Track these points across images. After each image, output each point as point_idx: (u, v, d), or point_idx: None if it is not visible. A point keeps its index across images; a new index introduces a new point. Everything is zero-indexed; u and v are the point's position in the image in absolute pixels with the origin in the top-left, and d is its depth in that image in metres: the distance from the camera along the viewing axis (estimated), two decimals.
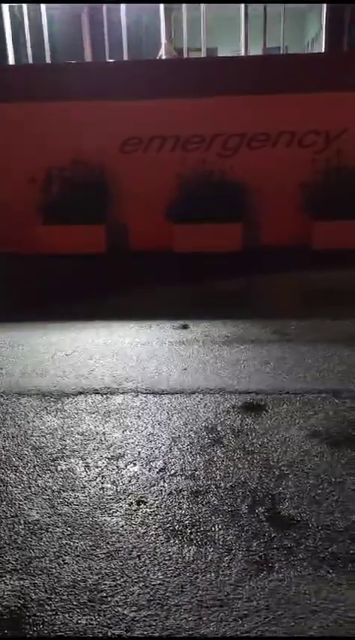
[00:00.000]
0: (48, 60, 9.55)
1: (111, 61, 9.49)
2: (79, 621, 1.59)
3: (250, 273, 5.88)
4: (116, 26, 9.74)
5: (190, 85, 6.84)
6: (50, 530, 1.98)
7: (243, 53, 9.16)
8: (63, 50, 10.33)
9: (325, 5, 9.46)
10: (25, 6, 9.45)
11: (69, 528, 1.99)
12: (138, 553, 1.86)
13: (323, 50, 9.41)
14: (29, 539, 1.94)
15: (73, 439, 2.61)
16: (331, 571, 1.75)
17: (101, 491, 2.20)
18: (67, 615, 1.61)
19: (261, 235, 6.90)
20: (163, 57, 9.60)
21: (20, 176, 6.99)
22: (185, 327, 4.25)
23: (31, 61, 9.61)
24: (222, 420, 2.76)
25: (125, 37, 9.86)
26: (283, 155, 6.96)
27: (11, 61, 9.41)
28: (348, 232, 6.38)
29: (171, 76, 6.93)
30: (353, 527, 1.95)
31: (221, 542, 1.90)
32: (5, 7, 9.12)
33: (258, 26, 9.15)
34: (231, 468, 2.34)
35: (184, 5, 9.33)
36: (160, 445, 2.54)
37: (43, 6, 9.43)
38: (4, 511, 2.09)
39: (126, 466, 2.38)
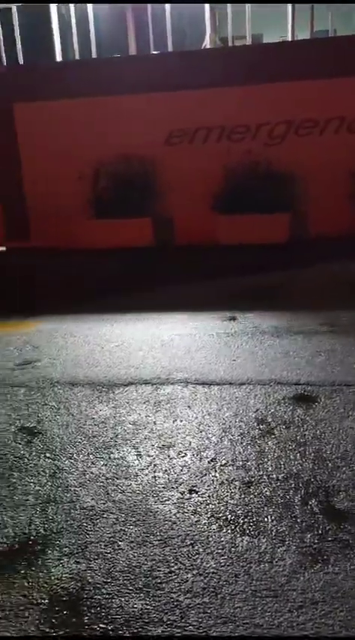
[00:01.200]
0: (94, 55, 9.66)
1: (155, 53, 9.49)
2: (135, 605, 1.62)
3: (297, 264, 5.79)
4: (160, 18, 9.72)
5: (234, 73, 6.75)
6: (105, 516, 2.02)
7: (289, 39, 8.97)
8: (108, 45, 10.41)
9: None
10: (72, 5, 9.58)
11: (123, 515, 2.02)
12: (191, 541, 1.87)
13: None
14: (85, 524, 1.99)
15: (125, 428, 2.65)
16: None
17: (153, 480, 2.23)
18: (123, 599, 1.65)
19: (308, 225, 6.77)
20: (207, 46, 9.53)
21: (70, 171, 7.11)
22: (233, 318, 4.23)
23: (77, 57, 9.74)
24: (272, 411, 2.74)
25: (169, 29, 9.83)
26: (332, 142, 6.79)
27: (58, 57, 9.57)
28: None
29: (214, 66, 6.87)
30: None
31: (274, 533, 1.89)
32: (53, 6, 9.28)
33: (305, 10, 8.92)
34: (283, 460, 2.32)
35: None
36: (211, 435, 2.55)
37: (89, 5, 9.52)
38: (60, 497, 2.15)
39: (177, 455, 2.39)
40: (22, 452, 2.49)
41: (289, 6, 8.80)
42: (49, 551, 1.86)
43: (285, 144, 6.90)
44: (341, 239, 6.44)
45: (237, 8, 9.22)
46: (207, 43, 9.55)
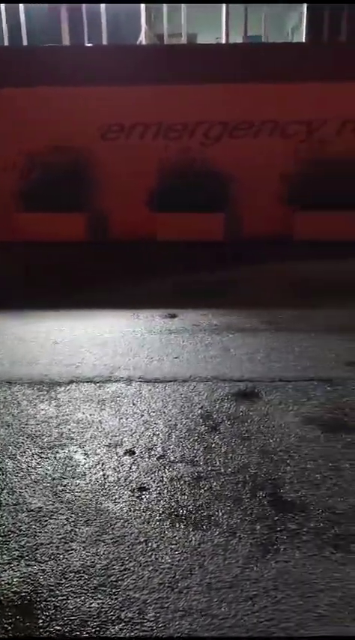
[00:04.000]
0: (25, 43, 9.35)
1: (90, 45, 9.34)
2: (91, 605, 1.60)
3: (234, 263, 5.92)
4: (95, 9, 9.58)
5: (172, 72, 6.78)
6: (54, 517, 1.98)
7: (224, 41, 9.14)
8: (40, 34, 10.12)
9: None
10: None
11: (73, 515, 1.99)
12: (145, 538, 1.87)
13: (304, 39, 9.46)
14: (34, 526, 1.93)
15: (70, 427, 2.60)
16: (335, 552, 1.80)
17: (103, 478, 2.20)
18: (78, 600, 1.62)
19: (243, 225, 6.93)
20: (143, 42, 9.51)
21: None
22: (173, 316, 4.25)
23: (6, 44, 9.39)
24: (217, 407, 2.79)
25: (104, 22, 9.72)
26: (264, 145, 6.99)
27: None
28: (329, 223, 6.46)
29: (153, 63, 6.86)
30: (352, 510, 2.00)
31: (226, 526, 1.93)
32: None
33: (239, 14, 9.14)
34: (230, 455, 2.37)
35: None
36: (158, 432, 2.55)
37: None
38: (5, 499, 2.08)
39: (125, 453, 2.38)
40: None
41: (224, 9, 8.96)
42: None
43: (221, 144, 7.02)
44: (274, 240, 6.66)
45: (172, 7, 9.27)
46: (142, 39, 9.53)
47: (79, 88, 6.75)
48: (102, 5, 9.17)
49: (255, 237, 6.74)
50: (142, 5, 9.57)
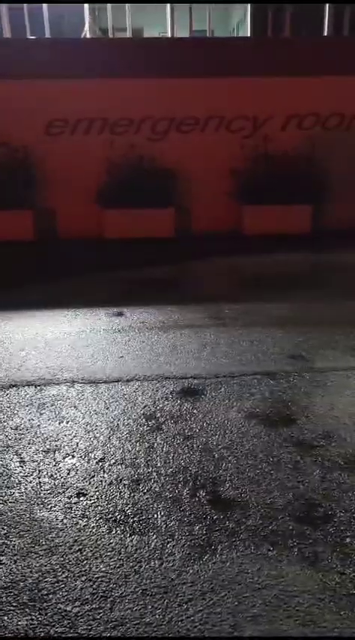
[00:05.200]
0: None
1: (32, 37, 9.10)
2: (19, 622, 1.53)
3: (183, 259, 5.90)
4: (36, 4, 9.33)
5: (118, 65, 6.68)
6: None
7: (169, 35, 9.07)
8: None
9: None
10: None
11: (5, 527, 1.90)
12: (80, 547, 1.81)
13: (249, 34, 9.51)
14: None
15: (6, 434, 2.50)
16: (272, 549, 1.79)
17: (38, 486, 2.13)
18: (5, 618, 1.55)
19: (192, 221, 6.92)
20: (88, 36, 9.34)
21: None
22: (120, 314, 4.19)
23: None
24: (160, 406, 2.75)
25: (46, 14, 9.49)
26: (212, 140, 6.99)
27: None
28: (277, 217, 6.53)
29: (97, 56, 6.74)
30: (290, 504, 2.00)
31: (163, 529, 1.89)
32: None
33: (184, 8, 9.09)
34: (172, 454, 2.33)
35: None
36: (98, 435, 2.49)
37: None
38: None
39: (63, 459, 2.31)
40: None
41: (168, 5, 8.89)
42: None
43: (168, 139, 6.98)
44: (223, 235, 6.68)
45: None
46: (86, 33, 9.35)
47: (21, 82, 6.57)
48: None
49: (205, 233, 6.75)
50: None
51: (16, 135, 6.59)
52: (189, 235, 6.80)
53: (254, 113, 6.92)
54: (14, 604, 1.59)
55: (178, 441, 2.43)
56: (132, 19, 9.30)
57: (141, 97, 6.74)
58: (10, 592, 1.63)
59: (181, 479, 2.16)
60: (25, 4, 9.33)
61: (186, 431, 2.52)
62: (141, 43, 7.65)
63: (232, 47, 7.11)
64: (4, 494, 2.08)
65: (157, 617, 1.55)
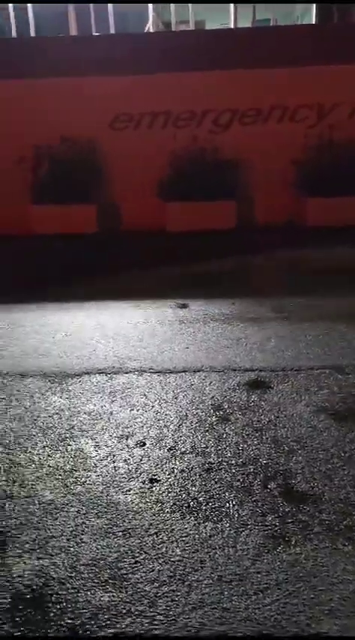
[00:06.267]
0: (32, 34, 9.30)
1: (96, 34, 9.26)
2: (102, 598, 1.60)
3: (244, 251, 5.87)
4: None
5: (180, 59, 6.70)
6: (65, 509, 1.98)
7: (232, 26, 9.00)
8: (47, 24, 10.05)
9: None
10: None
11: (84, 507, 1.99)
12: (155, 530, 1.87)
13: (313, 22, 9.27)
14: (45, 519, 1.94)
15: (81, 419, 2.60)
16: (347, 544, 1.78)
17: (113, 470, 2.20)
18: (89, 593, 1.62)
19: (254, 213, 6.86)
20: (151, 30, 9.40)
21: (10, 155, 6.85)
22: (184, 306, 4.23)
23: (14, 35, 9.35)
24: (228, 397, 2.77)
25: (111, 10, 9.62)
26: (275, 131, 6.89)
27: None
28: (343, 209, 6.37)
29: (159, 50, 6.79)
30: None
31: (236, 518, 1.91)
32: None
33: None
34: (241, 445, 2.35)
35: None
36: (168, 424, 2.54)
37: None
38: (17, 492, 2.09)
39: (136, 445, 2.38)
40: None
41: None
42: (9, 548, 1.80)
43: (230, 131, 6.94)
44: (286, 226, 6.59)
45: None
46: (150, 27, 9.42)
47: (86, 78, 6.71)
48: None
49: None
50: None
51: (83, 130, 6.75)
52: (250, 227, 6.75)
53: (318, 102, 6.77)
54: (96, 580, 1.67)
55: (247, 432, 2.45)
56: (195, 12, 9.28)
57: (203, 90, 6.73)
58: (92, 569, 1.71)
59: (252, 470, 2.18)
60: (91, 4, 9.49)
61: (255, 422, 2.53)
62: (204, 35, 7.63)
63: (296, 35, 6.96)
64: (81, 476, 2.17)
65: (234, 603, 1.57)
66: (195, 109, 6.87)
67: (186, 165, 6.78)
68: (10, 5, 9.32)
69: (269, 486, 2.07)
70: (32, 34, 9.15)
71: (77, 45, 7.11)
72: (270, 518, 1.91)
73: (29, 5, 9.22)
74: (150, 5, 9.50)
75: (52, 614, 1.56)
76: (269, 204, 6.82)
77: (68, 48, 6.96)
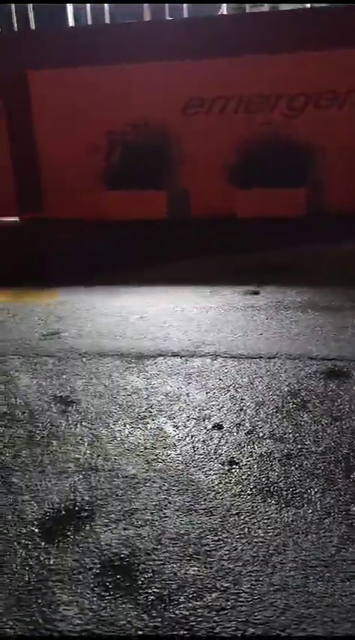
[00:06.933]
0: (107, 21, 9.41)
1: (170, 19, 9.24)
2: (188, 572, 1.64)
3: (316, 239, 5.72)
4: None
5: (252, 42, 6.57)
6: (148, 484, 2.04)
7: (308, 6, 8.72)
8: (121, 11, 10.13)
9: None
10: None
11: (166, 484, 2.04)
12: (237, 511, 1.89)
13: None
14: (129, 492, 2.00)
15: (158, 399, 2.65)
16: None
17: (192, 450, 2.24)
18: (175, 565, 1.66)
19: (326, 200, 6.67)
20: (224, 12, 9.27)
21: (84, 142, 6.99)
22: (256, 293, 4.20)
23: (90, 22, 9.49)
24: (305, 385, 2.74)
25: None
26: (352, 115, 6.65)
27: (71, 22, 9.33)
28: None
29: (232, 34, 6.68)
30: None
31: (319, 506, 1.90)
32: None
33: None
34: (320, 433, 2.32)
35: None
36: (245, 408, 2.55)
37: None
38: (101, 465, 2.16)
39: (213, 427, 2.40)
40: (58, 420, 2.50)
41: None
42: (96, 518, 1.88)
43: (304, 116, 6.76)
44: None
45: None
46: (223, 10, 9.30)
47: (158, 64, 6.72)
48: None
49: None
50: None
51: (155, 116, 6.77)
52: (322, 214, 6.57)
53: None
54: (181, 554, 1.71)
55: (326, 421, 2.41)
56: None
57: (276, 74, 6.58)
58: (177, 543, 1.75)
59: (332, 458, 2.15)
60: None
61: (334, 411, 2.49)
62: (277, 17, 7.43)
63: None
64: (162, 454, 2.22)
65: (320, 588, 1.57)
66: (269, 92, 6.73)
67: (257, 151, 6.68)
68: None
69: (351, 476, 2.04)
70: (107, 19, 9.26)
71: (150, 30, 7.12)
72: (354, 509, 1.88)
73: None
74: None
75: (140, 582, 1.61)
76: (342, 192, 6.60)
77: (141, 34, 6.99)
